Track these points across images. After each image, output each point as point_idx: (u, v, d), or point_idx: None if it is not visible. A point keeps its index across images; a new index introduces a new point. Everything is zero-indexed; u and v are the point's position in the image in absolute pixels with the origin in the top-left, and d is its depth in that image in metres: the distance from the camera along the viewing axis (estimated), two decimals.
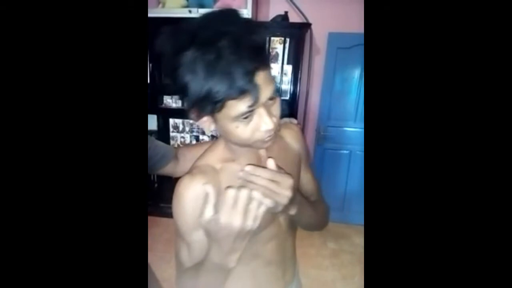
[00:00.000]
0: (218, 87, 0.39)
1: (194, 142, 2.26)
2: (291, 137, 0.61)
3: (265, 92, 0.42)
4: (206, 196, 0.45)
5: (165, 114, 2.21)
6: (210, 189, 0.43)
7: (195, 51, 0.39)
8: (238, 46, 0.39)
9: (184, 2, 1.98)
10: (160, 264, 1.65)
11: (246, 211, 0.40)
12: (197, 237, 0.50)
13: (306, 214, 0.55)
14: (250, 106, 0.41)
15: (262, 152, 0.55)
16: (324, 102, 2.12)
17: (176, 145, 2.27)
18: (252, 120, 0.43)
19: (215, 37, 0.39)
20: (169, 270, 1.64)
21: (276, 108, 0.46)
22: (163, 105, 2.19)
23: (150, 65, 2.07)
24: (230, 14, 0.43)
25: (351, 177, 2.26)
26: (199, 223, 0.46)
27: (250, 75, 0.39)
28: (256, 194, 0.41)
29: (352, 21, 1.95)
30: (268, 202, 0.41)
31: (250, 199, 0.40)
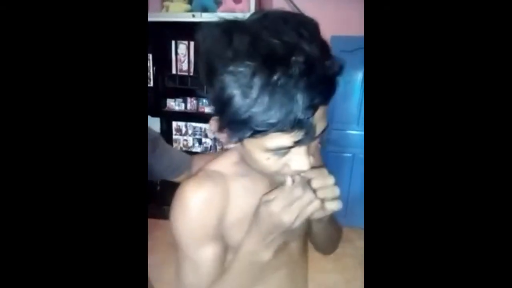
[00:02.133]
0: (271, 115, 0.31)
1: (196, 145, 2.27)
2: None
3: (317, 129, 0.35)
4: (218, 203, 0.42)
5: (168, 117, 2.22)
6: (219, 194, 0.40)
7: (258, 63, 0.30)
8: (311, 70, 0.31)
9: (187, 7, 2.00)
10: (162, 267, 1.65)
11: (300, 212, 0.37)
12: (207, 254, 0.43)
13: (328, 230, 0.51)
14: (296, 143, 0.34)
15: None
16: None
17: (179, 148, 2.27)
18: (286, 155, 0.37)
19: (287, 51, 0.31)
20: (170, 272, 1.63)
21: (315, 146, 0.40)
22: (166, 108, 2.20)
23: (154, 68, 2.09)
24: (305, 23, 0.33)
25: (354, 180, 2.25)
26: (211, 236, 0.43)
27: (312, 109, 0.32)
28: (317, 203, 0.37)
29: (355, 24, 1.96)
30: (328, 209, 0.38)
31: (310, 203, 0.37)
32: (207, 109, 2.15)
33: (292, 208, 0.37)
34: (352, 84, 2.10)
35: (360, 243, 2.04)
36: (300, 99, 0.31)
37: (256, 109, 0.31)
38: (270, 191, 0.40)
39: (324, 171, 0.41)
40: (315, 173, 0.39)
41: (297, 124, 0.32)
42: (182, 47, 2.06)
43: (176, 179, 0.68)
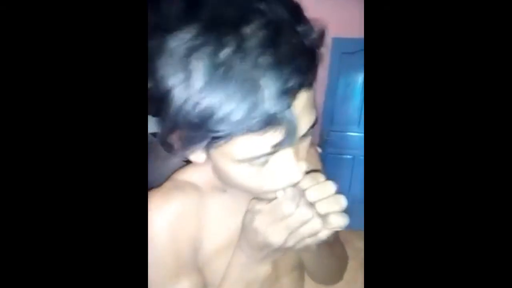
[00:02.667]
0: (228, 110, 0.21)
1: None
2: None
3: (303, 126, 0.25)
4: (191, 221, 0.32)
5: None
6: (191, 210, 0.31)
7: (197, 34, 0.21)
8: (277, 39, 0.21)
9: None
10: None
11: (292, 232, 0.28)
12: (185, 287, 0.33)
13: (324, 258, 0.40)
14: (274, 146, 0.24)
15: None
16: (327, 106, 2.11)
17: None
18: (268, 163, 0.27)
19: (239, 15, 0.21)
20: None
21: (305, 148, 0.29)
22: None
23: None
24: None
25: (354, 182, 2.25)
26: (185, 266, 0.33)
27: (288, 97, 0.22)
28: (316, 222, 0.28)
29: (357, 26, 1.96)
30: (333, 226, 0.29)
31: (305, 221, 0.28)
32: None
33: (280, 226, 0.28)
34: (353, 86, 2.10)
35: (360, 245, 2.03)
36: (267, 82, 0.21)
37: (206, 103, 0.21)
38: (255, 199, 0.31)
39: (320, 177, 0.31)
40: (309, 181, 0.29)
41: (269, 121, 0.22)
42: None
43: None
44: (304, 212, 0.28)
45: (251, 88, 0.21)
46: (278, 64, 0.21)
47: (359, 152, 2.20)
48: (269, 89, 0.22)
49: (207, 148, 0.26)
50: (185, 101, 0.22)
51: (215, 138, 0.23)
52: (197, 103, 0.22)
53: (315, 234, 0.29)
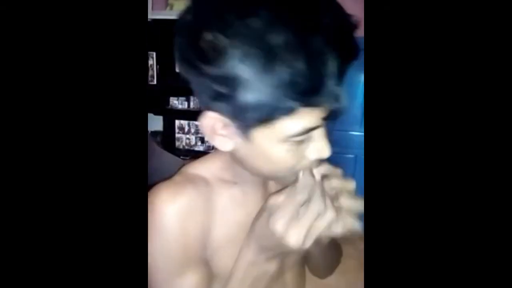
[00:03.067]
0: (301, 84, 0.24)
1: (199, 143, 2.27)
2: None
3: (342, 103, 0.28)
4: (201, 215, 0.33)
5: (171, 115, 2.23)
6: (202, 204, 0.32)
7: (270, 19, 0.23)
8: (342, 21, 0.26)
9: None
10: None
11: (309, 229, 0.28)
12: (188, 284, 0.33)
13: (328, 255, 0.43)
14: (324, 119, 0.28)
15: (271, 185, 0.41)
16: None
17: (181, 146, 2.28)
18: (303, 142, 0.29)
19: (316, 13, 0.25)
20: None
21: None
22: (169, 106, 2.20)
23: (157, 66, 2.10)
24: None
25: (356, 181, 2.24)
26: (193, 260, 0.33)
27: (341, 77, 0.26)
28: (330, 214, 0.28)
29: (360, 25, 1.95)
30: (347, 227, 0.30)
31: (321, 214, 0.28)
32: None
33: (299, 224, 0.29)
34: (355, 85, 2.09)
35: (362, 245, 2.03)
36: (333, 60, 0.25)
37: (282, 78, 0.24)
38: (278, 191, 0.32)
39: (339, 171, 0.33)
40: (329, 169, 0.32)
41: (328, 94, 0.25)
42: None
43: None
44: (319, 202, 0.29)
45: (322, 63, 0.24)
46: (342, 44, 0.25)
47: (361, 151, 2.20)
48: (335, 64, 0.25)
49: (252, 129, 0.28)
50: (265, 75, 0.24)
51: (281, 113, 0.25)
52: (275, 77, 0.24)
53: (329, 226, 0.29)
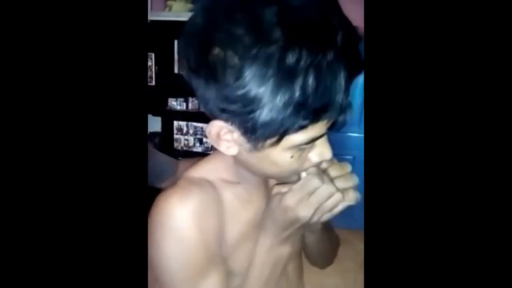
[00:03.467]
0: (318, 102, 0.25)
1: (197, 144, 2.27)
2: None
3: (348, 114, 0.31)
4: (214, 214, 0.33)
5: (169, 116, 2.22)
6: (213, 204, 0.33)
7: (293, 38, 0.24)
8: (350, 38, 0.27)
9: (190, 6, 2.00)
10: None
11: (319, 205, 0.32)
12: (216, 279, 0.33)
13: (324, 241, 0.45)
14: (329, 128, 0.30)
15: (272, 182, 0.43)
16: None
17: (180, 148, 2.27)
18: (307, 148, 0.31)
19: (323, 18, 0.25)
20: None
21: None
22: (168, 107, 2.20)
23: (156, 67, 2.09)
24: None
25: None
26: (213, 260, 0.33)
27: (348, 89, 0.28)
28: (338, 195, 0.32)
29: (359, 25, 1.96)
30: (349, 200, 0.33)
31: (330, 195, 0.32)
32: None
33: (309, 201, 0.31)
34: (354, 86, 2.09)
35: (360, 246, 2.03)
36: (342, 75, 0.26)
37: (295, 98, 0.24)
38: (280, 184, 0.34)
39: (336, 161, 0.36)
40: (328, 162, 0.35)
41: (337, 108, 0.27)
42: None
43: (161, 185, 0.61)
44: (329, 186, 0.32)
45: (333, 80, 0.26)
46: (350, 60, 0.26)
47: (360, 153, 2.20)
48: (343, 80, 0.26)
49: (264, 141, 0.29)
50: (283, 96, 0.25)
51: (296, 129, 0.27)
52: (294, 98, 0.25)
53: (336, 207, 0.33)
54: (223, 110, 0.28)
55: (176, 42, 2.06)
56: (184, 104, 2.19)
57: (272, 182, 0.43)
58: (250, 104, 0.25)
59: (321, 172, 0.33)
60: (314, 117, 0.27)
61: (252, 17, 0.24)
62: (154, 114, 2.19)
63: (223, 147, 0.31)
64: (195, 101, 2.17)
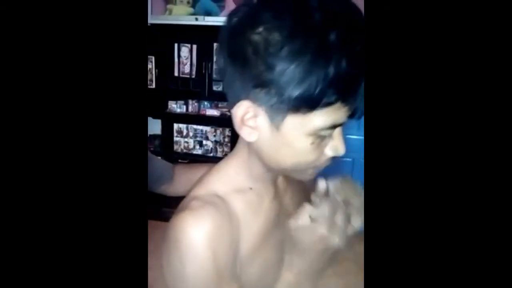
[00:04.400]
0: (345, 83, 0.28)
1: (197, 147, 2.27)
2: None
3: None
4: (229, 234, 0.34)
5: (169, 119, 2.23)
6: (228, 223, 0.33)
7: (324, 19, 0.27)
8: (361, 22, 0.29)
9: (190, 10, 2.01)
10: (160, 268, 1.64)
11: (337, 227, 0.33)
12: None
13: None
14: (349, 117, 0.32)
15: (280, 181, 0.43)
16: None
17: (179, 150, 2.27)
18: (325, 138, 0.33)
19: (359, 22, 0.29)
20: None
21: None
22: (168, 110, 2.20)
23: (156, 70, 2.10)
24: None
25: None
26: (228, 279, 0.34)
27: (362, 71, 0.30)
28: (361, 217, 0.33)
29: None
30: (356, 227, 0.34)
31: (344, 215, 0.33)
32: (208, 112, 2.15)
33: (337, 225, 0.33)
34: None
35: (360, 248, 2.02)
36: (355, 59, 0.29)
37: (329, 73, 0.27)
38: (297, 212, 0.35)
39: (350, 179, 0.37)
40: (344, 183, 0.36)
41: (361, 94, 0.30)
42: (185, 50, 2.07)
43: (157, 190, 0.61)
44: (342, 206, 0.33)
45: (357, 65, 0.29)
46: (361, 44, 0.29)
47: (359, 155, 2.20)
48: (363, 72, 0.29)
49: (281, 120, 0.31)
50: (315, 73, 0.27)
51: (318, 106, 0.29)
52: (324, 72, 0.27)
53: (359, 226, 0.34)
54: (256, 85, 0.30)
55: (176, 45, 2.07)
56: (184, 106, 2.19)
57: (279, 184, 0.43)
58: (285, 75, 0.28)
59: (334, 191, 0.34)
60: (340, 95, 0.29)
61: (295, 1, 0.28)
62: (154, 117, 2.19)
63: (244, 132, 0.33)
64: (195, 104, 2.18)
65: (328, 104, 0.29)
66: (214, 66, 1.94)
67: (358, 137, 2.17)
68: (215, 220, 0.34)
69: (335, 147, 0.34)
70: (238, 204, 0.38)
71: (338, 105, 0.30)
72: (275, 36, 0.28)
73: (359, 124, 2.13)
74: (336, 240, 0.33)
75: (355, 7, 0.30)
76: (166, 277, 0.35)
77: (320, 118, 0.30)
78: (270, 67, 0.29)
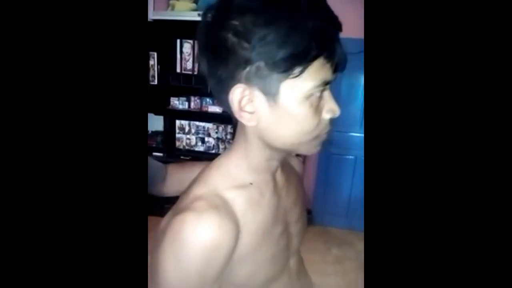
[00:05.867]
0: (324, 36, 0.32)
1: (199, 143, 2.27)
2: (293, 158, 0.55)
3: (346, 57, 0.35)
4: (230, 240, 0.34)
5: (172, 115, 2.23)
6: (230, 231, 0.34)
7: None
8: (321, 1, 0.33)
9: (193, 6, 2.01)
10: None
11: None
12: None
13: None
14: (334, 73, 0.34)
15: (278, 176, 0.44)
16: None
17: (181, 147, 2.28)
18: (320, 100, 0.35)
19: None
20: None
21: None
22: (170, 107, 2.20)
23: (158, 66, 2.10)
24: None
25: (356, 182, 2.25)
26: (210, 282, 0.34)
27: (341, 44, 0.34)
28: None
29: (360, 25, 1.95)
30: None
31: None
32: (210, 109, 2.15)
33: None
34: (356, 87, 2.09)
35: (361, 247, 2.03)
36: (336, 28, 0.33)
37: (309, 28, 0.30)
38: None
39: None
40: None
41: (339, 47, 0.33)
42: (187, 46, 2.06)
43: (150, 191, 0.59)
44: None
45: (331, 23, 0.33)
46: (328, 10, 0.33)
47: (361, 152, 2.19)
48: (337, 32, 0.33)
49: (274, 92, 0.33)
50: (294, 25, 0.31)
51: (305, 60, 0.31)
52: (305, 27, 0.31)
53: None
54: (245, 63, 0.32)
55: (178, 41, 2.07)
56: (186, 103, 2.19)
57: (278, 178, 0.44)
58: (270, 41, 0.30)
59: None
60: (322, 48, 0.31)
61: None
62: (156, 113, 2.20)
63: (244, 117, 0.35)
64: (197, 100, 2.18)
65: (313, 58, 0.32)
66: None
67: (360, 134, 2.17)
68: (218, 229, 0.34)
69: (330, 108, 0.36)
70: (239, 203, 0.38)
71: (322, 61, 0.32)
72: (249, 15, 0.31)
73: (361, 122, 2.12)
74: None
75: None
76: (153, 269, 0.35)
77: (310, 77, 0.33)
78: (253, 41, 0.31)
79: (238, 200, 0.38)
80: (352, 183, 2.25)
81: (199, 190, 0.38)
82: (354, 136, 2.19)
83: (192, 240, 0.33)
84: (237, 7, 0.32)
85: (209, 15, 0.34)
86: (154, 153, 2.22)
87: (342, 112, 0.35)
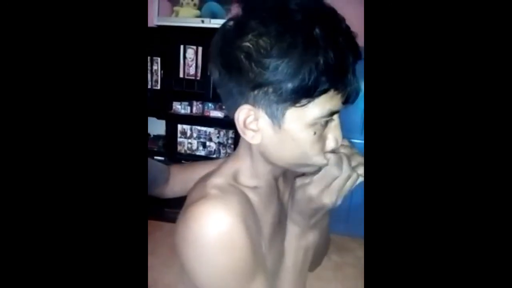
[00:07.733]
0: (334, 71, 0.31)
1: (201, 148, 2.27)
2: None
3: (359, 89, 0.35)
4: (251, 217, 0.35)
5: (174, 119, 2.24)
6: (248, 208, 0.35)
7: (309, 16, 0.31)
8: (349, 36, 0.33)
9: (197, 12, 2.03)
10: (161, 269, 1.65)
11: (340, 189, 0.36)
12: (262, 279, 0.35)
13: (321, 239, 0.46)
14: (344, 103, 0.33)
15: (280, 182, 0.45)
16: None
17: (183, 151, 2.28)
18: (325, 129, 0.35)
19: (338, 18, 0.33)
20: (171, 274, 1.63)
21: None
22: (172, 111, 2.21)
23: (162, 71, 2.12)
24: None
25: (356, 189, 2.23)
26: (260, 260, 0.35)
27: (355, 72, 0.33)
28: (355, 176, 0.36)
29: (361, 33, 1.95)
30: (360, 179, 0.37)
31: (348, 178, 0.36)
32: (212, 113, 2.16)
33: (331, 188, 0.35)
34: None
35: (360, 253, 2.02)
36: (350, 56, 0.32)
37: (320, 62, 0.30)
38: (302, 176, 0.37)
39: (352, 148, 0.40)
40: (347, 149, 0.38)
41: (350, 80, 0.32)
42: (190, 51, 2.08)
43: (153, 193, 0.59)
44: (347, 170, 0.35)
45: (344, 56, 0.32)
46: (349, 35, 0.33)
47: None
48: (349, 60, 0.32)
49: (281, 115, 0.33)
50: (306, 60, 0.30)
51: (315, 92, 0.31)
52: (318, 59, 0.30)
53: (353, 185, 0.37)
54: (254, 87, 0.32)
55: (182, 47, 2.09)
56: (189, 108, 2.20)
57: (280, 185, 0.45)
58: (280, 73, 0.31)
59: (340, 159, 0.35)
60: (332, 82, 0.31)
61: (278, 6, 0.31)
62: (159, 117, 2.21)
63: (248, 135, 0.35)
64: (199, 105, 2.19)
65: (322, 92, 0.31)
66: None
67: (361, 141, 2.17)
68: (238, 205, 0.35)
69: (334, 138, 0.36)
70: (250, 195, 0.39)
71: (331, 93, 0.32)
72: (264, 40, 0.31)
73: (362, 128, 2.12)
74: (326, 200, 0.35)
75: (329, 6, 0.34)
76: (192, 274, 0.34)
77: (317, 107, 0.32)
78: (264, 68, 0.31)
79: (251, 195, 0.39)
80: (352, 189, 2.24)
81: (208, 182, 0.39)
82: (354, 142, 2.18)
83: (226, 219, 0.33)
84: (253, 28, 0.31)
85: (223, 32, 0.34)
86: (156, 157, 2.22)
87: (343, 119, 0.36)
